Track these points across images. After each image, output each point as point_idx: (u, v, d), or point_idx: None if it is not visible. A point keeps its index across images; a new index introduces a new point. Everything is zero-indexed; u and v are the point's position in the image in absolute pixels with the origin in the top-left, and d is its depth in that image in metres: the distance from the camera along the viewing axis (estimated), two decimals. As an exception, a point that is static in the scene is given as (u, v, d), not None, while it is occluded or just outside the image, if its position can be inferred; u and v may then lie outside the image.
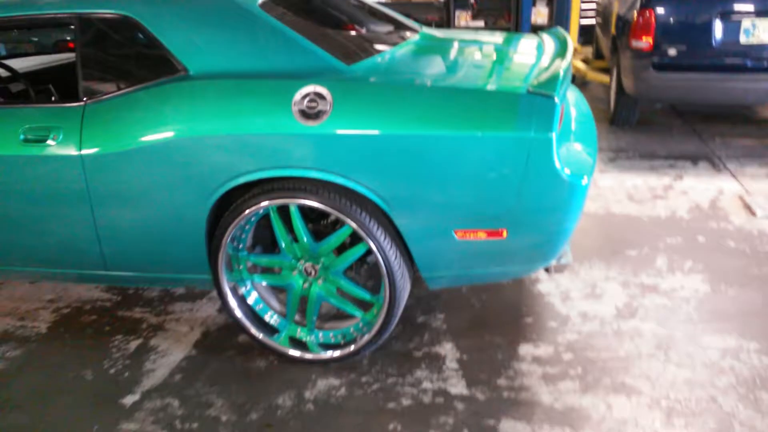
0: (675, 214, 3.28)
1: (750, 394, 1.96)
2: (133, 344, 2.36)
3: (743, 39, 4.00)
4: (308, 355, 2.16)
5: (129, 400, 2.06)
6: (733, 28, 4.00)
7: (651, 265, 2.75)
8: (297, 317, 2.19)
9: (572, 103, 2.49)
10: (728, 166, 3.95)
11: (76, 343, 2.39)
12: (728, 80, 4.06)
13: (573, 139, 2.10)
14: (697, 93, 4.23)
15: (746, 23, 3.98)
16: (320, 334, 2.18)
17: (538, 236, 1.94)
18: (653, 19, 4.12)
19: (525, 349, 2.22)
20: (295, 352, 2.17)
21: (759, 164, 3.96)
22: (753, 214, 3.23)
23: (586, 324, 2.35)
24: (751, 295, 2.50)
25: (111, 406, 2.03)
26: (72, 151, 2.00)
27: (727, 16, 3.99)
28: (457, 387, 2.04)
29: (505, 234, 1.91)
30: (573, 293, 2.56)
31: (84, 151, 1.99)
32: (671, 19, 4.10)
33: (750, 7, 3.96)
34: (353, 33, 2.51)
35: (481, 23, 6.37)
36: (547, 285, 2.62)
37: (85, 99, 2.04)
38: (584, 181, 1.86)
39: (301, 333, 2.18)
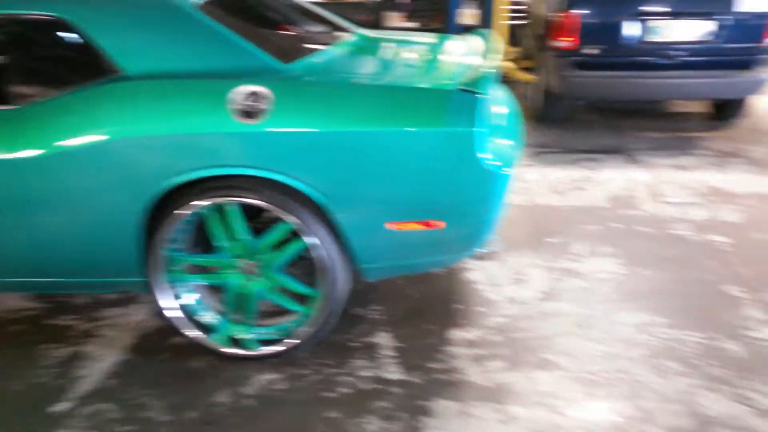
0: (593, 203, 3.50)
1: (659, 363, 2.14)
2: (65, 351, 2.31)
3: (652, 39, 4.31)
4: (247, 352, 2.18)
5: (62, 407, 2.01)
6: (642, 29, 4.30)
7: (572, 251, 2.93)
8: (235, 315, 2.21)
9: (500, 100, 2.62)
10: (641, 158, 4.23)
11: (2, 354, 2.31)
12: (639, 77, 4.37)
13: (499, 134, 2.23)
14: (614, 90, 4.52)
15: (654, 24, 4.28)
16: (259, 331, 2.20)
17: (467, 225, 2.05)
18: (575, 21, 4.36)
19: (457, 334, 2.33)
20: (233, 350, 2.19)
21: (668, 155, 4.27)
22: (662, 201, 3.49)
23: (513, 307, 2.49)
24: (661, 274, 2.72)
25: (42, 414, 1.99)
26: (5, 156, 1.94)
27: (637, 17, 4.29)
28: (394, 373, 2.12)
29: (437, 224, 2.01)
30: (501, 280, 2.70)
31: (18, 155, 1.94)
32: (591, 20, 4.36)
33: (658, 9, 4.27)
34: (291, 33, 2.55)
35: (413, 24, 6.51)
36: (477, 273, 2.75)
37: (18, 102, 1.99)
38: (507, 173, 1.99)
39: (240, 331, 2.19)
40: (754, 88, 4.39)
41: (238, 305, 2.18)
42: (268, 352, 2.17)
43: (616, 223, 3.23)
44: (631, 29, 4.30)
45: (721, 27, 4.23)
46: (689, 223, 3.21)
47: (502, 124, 2.34)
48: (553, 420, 1.90)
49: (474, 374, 2.10)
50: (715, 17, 4.22)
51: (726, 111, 4.89)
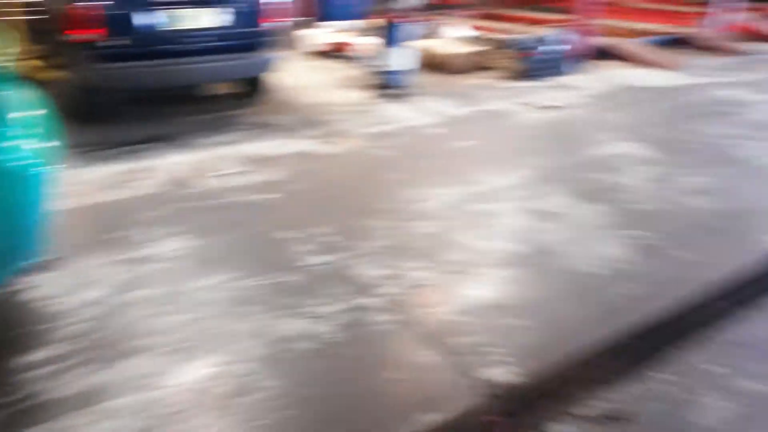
0: (154, 190, 3.55)
1: (240, 311, 2.41)
2: None
3: (174, 27, 4.51)
4: None
5: None
6: (158, 18, 4.44)
7: (142, 239, 2.94)
8: None
9: (22, 101, 2.36)
10: (190, 141, 4.46)
11: None
12: (168, 65, 4.53)
13: (25, 135, 2.02)
14: (148, 79, 4.57)
15: (174, 13, 4.49)
16: None
17: (4, 235, 1.84)
18: (98, 13, 4.19)
19: (27, 360, 2.07)
20: None
21: (213, 135, 4.61)
22: (216, 175, 3.81)
23: (87, 311, 2.35)
24: (228, 237, 3.01)
25: None
26: None
27: (158, 7, 4.41)
28: (-46, 431, 1.77)
29: None
30: (69, 288, 2.50)
31: None
32: (116, 12, 4.25)
33: (167, -1, 4.48)
34: None
35: None
36: (39, 290, 2.47)
37: None
38: (38, 173, 1.85)
39: None
40: (263, 66, 5.11)
41: None
42: None
43: (180, 203, 3.37)
44: (154, 18, 4.40)
45: (227, 15, 4.73)
46: (242, 189, 3.60)
47: (27, 125, 2.13)
48: (154, 396, 1.94)
49: (59, 389, 1.93)
50: (220, 5, 4.68)
51: (251, 89, 5.57)
